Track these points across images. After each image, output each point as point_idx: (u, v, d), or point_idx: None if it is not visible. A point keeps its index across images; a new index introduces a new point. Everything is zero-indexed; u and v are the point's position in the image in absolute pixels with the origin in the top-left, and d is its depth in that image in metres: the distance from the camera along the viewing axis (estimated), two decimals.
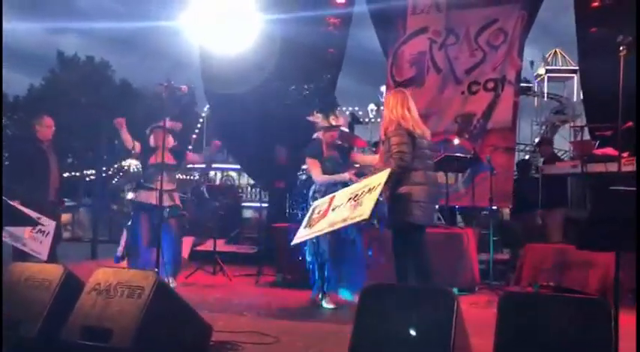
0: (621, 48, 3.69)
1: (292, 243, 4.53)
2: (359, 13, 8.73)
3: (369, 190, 3.92)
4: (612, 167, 5.83)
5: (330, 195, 4.44)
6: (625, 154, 5.93)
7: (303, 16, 8.25)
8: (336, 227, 4.08)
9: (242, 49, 8.02)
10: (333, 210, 4.20)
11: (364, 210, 3.81)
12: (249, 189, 13.40)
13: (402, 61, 8.28)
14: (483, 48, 7.87)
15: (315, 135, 5.01)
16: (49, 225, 5.13)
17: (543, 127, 26.60)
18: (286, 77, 8.24)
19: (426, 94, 8.04)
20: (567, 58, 27.54)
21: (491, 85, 7.74)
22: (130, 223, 5.74)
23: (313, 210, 4.50)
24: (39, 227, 5.00)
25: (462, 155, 6.56)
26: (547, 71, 26.96)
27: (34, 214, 4.70)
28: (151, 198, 5.44)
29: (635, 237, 2.12)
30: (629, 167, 5.75)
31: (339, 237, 4.59)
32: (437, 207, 4.65)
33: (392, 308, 2.37)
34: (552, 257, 5.99)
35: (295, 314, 4.52)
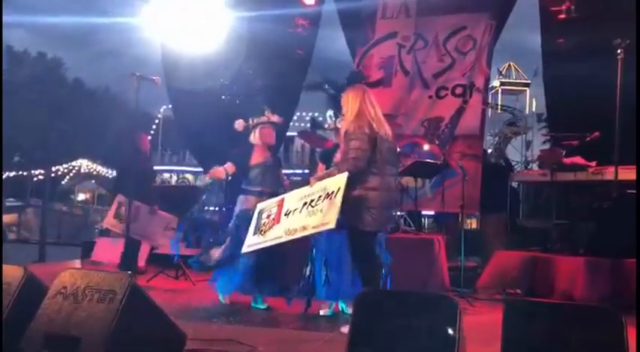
0: (619, 51, 3.65)
1: (243, 252, 4.26)
2: (328, 19, 8.65)
3: (328, 196, 3.71)
4: (581, 176, 5.90)
5: (279, 198, 4.19)
6: (593, 163, 6.02)
7: (271, 16, 8.11)
8: (296, 235, 3.82)
9: (207, 46, 7.80)
10: (286, 215, 3.97)
11: (329, 219, 3.60)
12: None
13: (370, 64, 8.25)
14: (452, 53, 7.90)
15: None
16: (174, 221, 6.41)
17: (496, 138, 27.21)
18: (253, 76, 8.04)
19: (394, 95, 8.04)
20: (520, 71, 28.37)
21: (459, 90, 7.77)
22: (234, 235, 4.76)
23: (260, 214, 4.22)
24: (170, 225, 6.33)
25: (432, 161, 6.51)
26: (501, 84, 27.62)
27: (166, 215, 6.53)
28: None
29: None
30: (597, 176, 5.83)
31: (332, 246, 4.36)
32: (393, 212, 4.49)
33: (390, 316, 2.22)
34: (519, 264, 6.00)
35: (266, 320, 4.32)
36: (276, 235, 3.93)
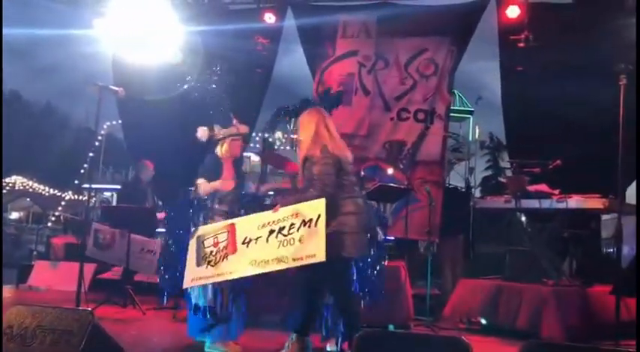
0: (622, 76, 3.56)
1: (185, 286, 3.86)
2: (288, 33, 8.45)
3: (305, 223, 3.41)
4: (546, 204, 5.86)
5: (226, 222, 3.80)
6: (557, 191, 6.00)
7: (230, 32, 7.89)
8: (269, 268, 3.49)
9: (161, 59, 7.52)
10: (245, 243, 3.61)
11: (316, 250, 3.31)
12: None
13: (330, 80, 8.06)
14: (413, 75, 7.84)
15: None
16: (156, 244, 6.17)
17: None
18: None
19: (355, 115, 7.89)
20: (464, 99, 29.14)
21: (421, 115, 7.70)
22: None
23: (200, 241, 3.81)
24: (146, 248, 6.18)
25: (396, 185, 6.36)
26: None
27: (140, 237, 6.22)
28: None
29: None
30: (561, 204, 5.80)
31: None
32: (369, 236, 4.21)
33: None
34: (483, 292, 5.88)
35: None
36: (237, 268, 3.59)
